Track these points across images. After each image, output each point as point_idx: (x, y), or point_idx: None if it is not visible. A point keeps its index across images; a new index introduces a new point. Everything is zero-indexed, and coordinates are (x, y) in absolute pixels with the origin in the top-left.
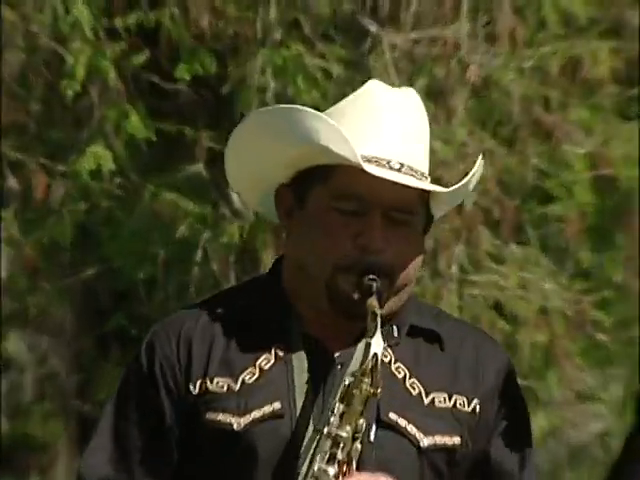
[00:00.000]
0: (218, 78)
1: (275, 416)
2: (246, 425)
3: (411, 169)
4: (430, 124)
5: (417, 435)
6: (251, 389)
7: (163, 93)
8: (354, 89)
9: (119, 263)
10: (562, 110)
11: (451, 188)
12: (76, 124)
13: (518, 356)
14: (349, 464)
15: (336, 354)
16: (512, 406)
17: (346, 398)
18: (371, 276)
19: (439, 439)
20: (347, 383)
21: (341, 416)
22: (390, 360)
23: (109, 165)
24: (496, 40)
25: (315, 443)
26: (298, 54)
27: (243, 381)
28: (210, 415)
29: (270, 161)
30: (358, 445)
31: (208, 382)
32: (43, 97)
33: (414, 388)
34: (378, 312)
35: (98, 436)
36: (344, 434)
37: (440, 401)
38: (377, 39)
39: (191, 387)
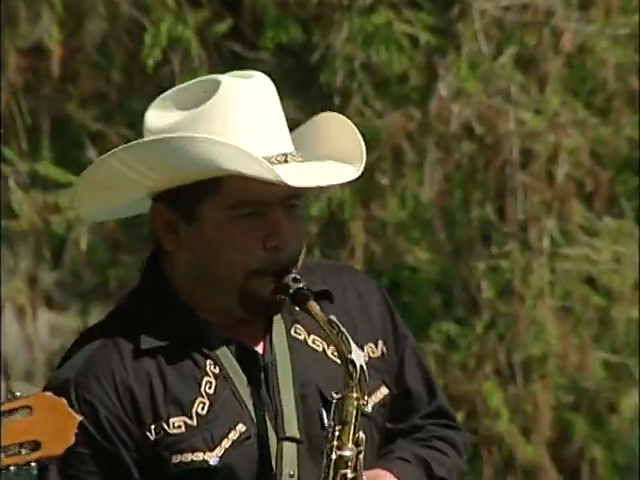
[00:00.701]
0: (302, 47)
1: (243, 439)
2: (221, 457)
3: (292, 155)
4: (520, 94)
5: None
6: (209, 420)
7: (246, 62)
8: (443, 56)
9: None
10: None
11: (325, 183)
12: (157, 94)
13: (613, 332)
14: (358, 478)
15: (259, 350)
16: (403, 334)
17: (339, 417)
18: (294, 276)
19: (375, 398)
20: (336, 402)
21: (339, 437)
22: (304, 337)
23: None
24: (590, 7)
25: (325, 471)
26: (387, 20)
27: (198, 414)
28: (179, 457)
29: (142, 185)
30: (362, 457)
31: (164, 425)
32: (124, 66)
33: (334, 356)
34: (333, 318)
35: None
36: (348, 453)
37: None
38: (466, 5)
39: (147, 434)
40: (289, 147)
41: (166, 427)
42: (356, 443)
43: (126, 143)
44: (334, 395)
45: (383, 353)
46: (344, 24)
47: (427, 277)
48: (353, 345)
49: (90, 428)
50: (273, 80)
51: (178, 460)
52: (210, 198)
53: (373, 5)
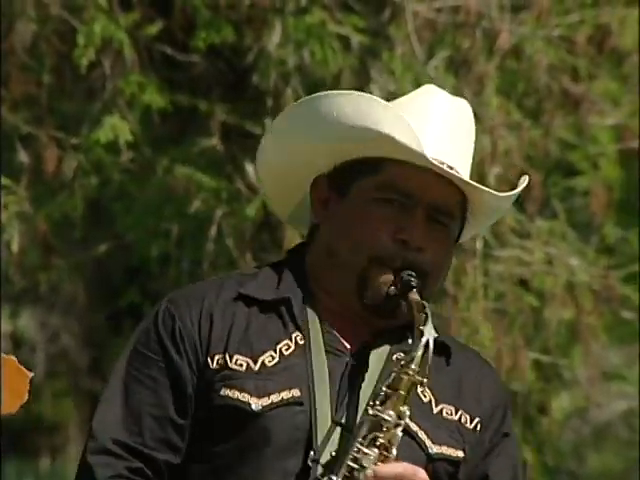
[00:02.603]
0: (234, 49)
1: (293, 403)
2: (264, 407)
3: (457, 172)
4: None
5: (426, 442)
6: (270, 372)
7: (177, 65)
8: (376, 59)
9: (132, 238)
10: (589, 81)
11: (501, 194)
12: (88, 96)
13: (544, 333)
14: (388, 450)
15: (350, 349)
16: (506, 433)
17: (393, 383)
18: (409, 272)
19: (445, 450)
20: (395, 369)
21: (385, 400)
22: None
23: (126, 136)
24: (522, 9)
25: (358, 424)
26: (321, 21)
27: (263, 363)
28: (227, 392)
29: (314, 150)
30: (399, 432)
31: (227, 358)
32: (55, 68)
33: (425, 396)
34: (425, 303)
35: (110, 394)
36: (388, 418)
37: (448, 413)
38: (399, 7)
39: (209, 361)
40: (461, 168)
41: (228, 360)
42: (398, 415)
43: (57, 146)
44: (398, 360)
45: (475, 429)
46: (276, 26)
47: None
48: (430, 323)
49: (164, 337)
50: (205, 83)
51: (225, 394)
52: (366, 177)
53: (306, 7)
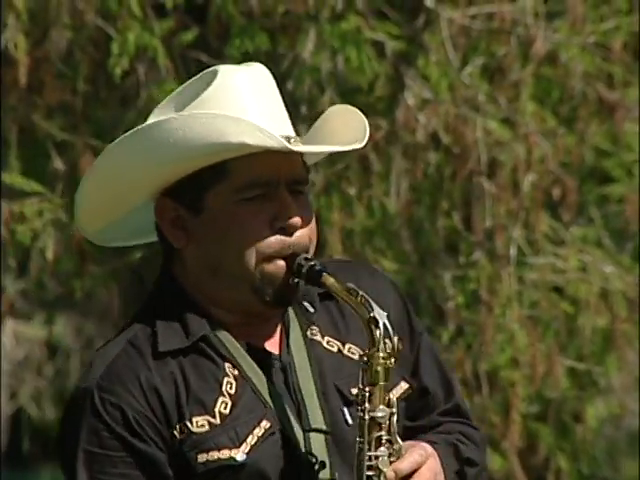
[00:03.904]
0: (268, 56)
1: (268, 435)
2: (248, 453)
3: (294, 139)
4: (487, 103)
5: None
6: (233, 418)
7: None
8: (410, 66)
9: None
10: (624, 88)
11: (340, 148)
12: (123, 103)
13: (579, 340)
14: (393, 442)
15: (276, 353)
16: (419, 332)
17: (370, 379)
18: (305, 256)
19: (395, 393)
20: (363, 364)
21: (371, 398)
22: (320, 339)
23: None
24: (557, 16)
25: (359, 433)
26: (357, 27)
27: (220, 413)
28: (205, 456)
29: (150, 176)
30: (394, 419)
31: (188, 424)
32: (89, 76)
33: (352, 353)
34: (352, 285)
35: None
36: (381, 414)
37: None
38: (433, 14)
39: (175, 433)
40: (291, 131)
41: (190, 426)
42: (388, 404)
43: (93, 153)
44: (362, 357)
45: (398, 349)
46: (311, 33)
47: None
48: (374, 305)
49: (119, 430)
50: None
51: (204, 459)
52: (216, 185)
53: (341, 13)
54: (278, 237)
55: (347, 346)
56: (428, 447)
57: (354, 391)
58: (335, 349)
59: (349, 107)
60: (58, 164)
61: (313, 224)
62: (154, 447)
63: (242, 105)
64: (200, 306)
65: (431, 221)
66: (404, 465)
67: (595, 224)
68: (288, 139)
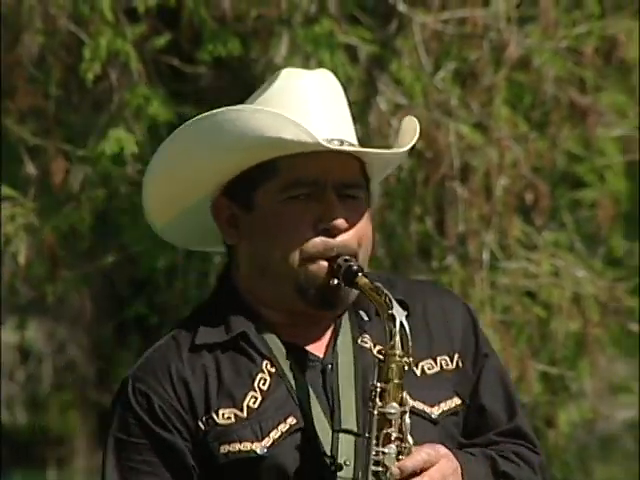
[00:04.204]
0: (241, 61)
1: (293, 431)
2: (269, 447)
3: (350, 144)
4: (459, 108)
5: (426, 410)
6: (259, 413)
7: (184, 77)
8: (383, 71)
9: (139, 250)
10: (596, 92)
11: (398, 150)
12: (95, 108)
13: (551, 345)
14: (404, 440)
15: (319, 355)
16: (485, 353)
17: (383, 376)
18: (344, 257)
19: (444, 406)
20: (379, 361)
21: (381, 395)
22: (370, 346)
23: (132, 148)
24: (529, 21)
25: (368, 428)
26: (330, 30)
27: (248, 407)
28: (227, 447)
29: (206, 172)
30: (407, 419)
31: (214, 416)
32: (62, 81)
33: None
34: (379, 285)
35: None
36: (392, 410)
37: (429, 368)
38: (406, 19)
39: (200, 424)
40: (348, 136)
41: (215, 417)
42: (400, 403)
43: (65, 158)
44: (379, 352)
45: (458, 366)
46: (284, 37)
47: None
48: (395, 304)
49: (145, 418)
50: (212, 95)
51: (226, 450)
52: (265, 183)
53: (314, 17)
54: (322, 238)
55: None
56: (442, 449)
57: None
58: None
59: (412, 117)
60: (30, 169)
61: (365, 231)
62: (178, 436)
63: (295, 105)
64: (249, 305)
65: (404, 226)
66: (409, 462)
67: (567, 229)
68: (342, 142)
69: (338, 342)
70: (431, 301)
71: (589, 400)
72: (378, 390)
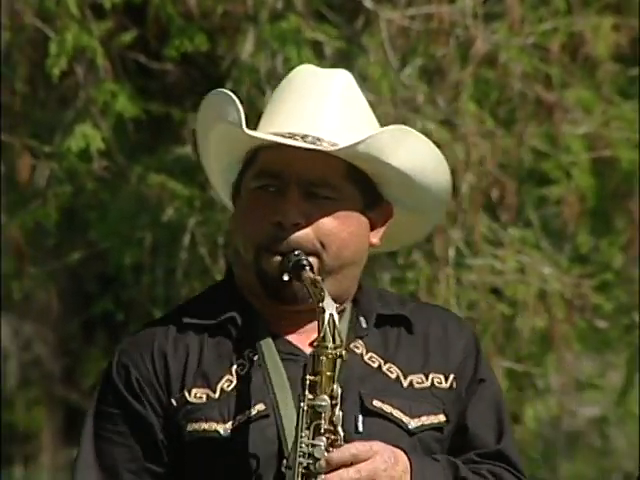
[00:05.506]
0: (207, 57)
1: (259, 417)
2: (233, 429)
3: (330, 143)
4: (425, 104)
5: (403, 419)
6: (231, 396)
7: (150, 73)
8: (349, 68)
9: (105, 247)
10: (562, 89)
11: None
12: (62, 104)
13: (517, 341)
14: (335, 433)
15: (305, 350)
16: (481, 379)
17: (313, 368)
18: (295, 252)
19: (426, 420)
20: (309, 353)
21: (312, 387)
22: (362, 352)
23: (98, 144)
24: (495, 17)
25: (298, 420)
26: (297, 27)
27: (222, 389)
28: (193, 425)
29: (227, 145)
30: (338, 412)
31: (186, 394)
32: (28, 77)
33: (391, 372)
34: (318, 278)
35: (84, 459)
36: (322, 403)
37: (418, 382)
38: (372, 15)
39: (173, 401)
40: (335, 136)
41: (187, 396)
42: (331, 395)
43: (31, 154)
44: (310, 345)
45: (452, 387)
46: (250, 34)
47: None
48: (327, 296)
49: (122, 389)
50: (179, 91)
51: (192, 428)
52: (247, 170)
53: (280, 14)
54: (274, 231)
55: (388, 365)
56: (376, 445)
57: (377, 404)
58: (375, 365)
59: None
60: None
61: (332, 231)
62: (150, 410)
63: (285, 99)
64: (240, 292)
65: None
66: (337, 455)
67: (533, 225)
68: (318, 140)
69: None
70: (436, 322)
71: (555, 396)
72: (307, 383)
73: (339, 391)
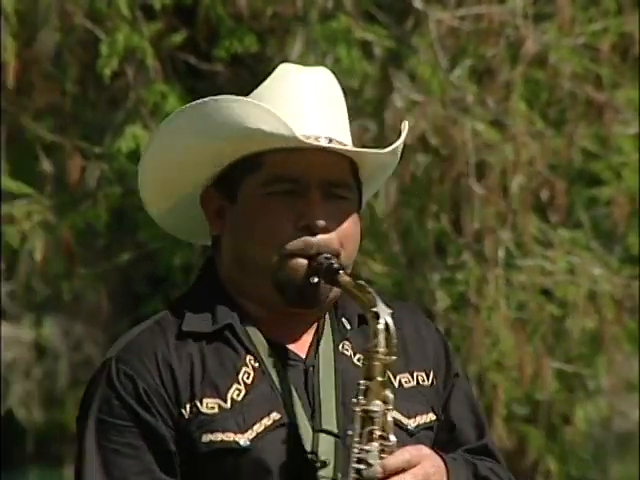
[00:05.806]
0: (257, 58)
1: (277, 426)
2: (252, 440)
3: (339, 143)
4: (475, 105)
5: (403, 420)
6: (243, 405)
7: (200, 74)
8: (399, 68)
9: (155, 247)
10: (612, 89)
11: (383, 150)
12: (112, 105)
13: (567, 342)
14: (386, 438)
15: (302, 356)
16: (456, 373)
17: (368, 374)
18: (325, 255)
19: (420, 419)
20: (363, 358)
21: (366, 392)
22: (350, 354)
23: None
24: (545, 18)
25: (351, 425)
26: (347, 26)
27: (232, 399)
28: (209, 437)
29: (194, 160)
30: (389, 417)
31: (198, 404)
32: (78, 78)
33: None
34: (362, 282)
35: (89, 474)
36: (375, 408)
37: (406, 381)
38: (422, 16)
39: (183, 412)
40: (340, 136)
41: (199, 406)
42: (384, 401)
43: (81, 155)
44: (363, 351)
45: (433, 383)
46: (299, 34)
47: (382, 289)
48: (379, 302)
49: (129, 400)
50: (228, 92)
51: (208, 439)
52: (249, 175)
53: (330, 14)
54: (301, 235)
55: None
56: (424, 449)
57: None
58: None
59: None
60: (46, 166)
61: (349, 232)
62: (160, 421)
63: (287, 100)
64: (230, 297)
65: (419, 223)
66: (392, 460)
67: (583, 226)
68: (330, 140)
69: (320, 346)
70: (407, 319)
71: (606, 397)
72: (362, 387)
73: (391, 397)
